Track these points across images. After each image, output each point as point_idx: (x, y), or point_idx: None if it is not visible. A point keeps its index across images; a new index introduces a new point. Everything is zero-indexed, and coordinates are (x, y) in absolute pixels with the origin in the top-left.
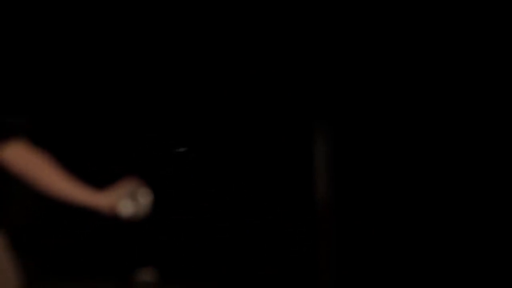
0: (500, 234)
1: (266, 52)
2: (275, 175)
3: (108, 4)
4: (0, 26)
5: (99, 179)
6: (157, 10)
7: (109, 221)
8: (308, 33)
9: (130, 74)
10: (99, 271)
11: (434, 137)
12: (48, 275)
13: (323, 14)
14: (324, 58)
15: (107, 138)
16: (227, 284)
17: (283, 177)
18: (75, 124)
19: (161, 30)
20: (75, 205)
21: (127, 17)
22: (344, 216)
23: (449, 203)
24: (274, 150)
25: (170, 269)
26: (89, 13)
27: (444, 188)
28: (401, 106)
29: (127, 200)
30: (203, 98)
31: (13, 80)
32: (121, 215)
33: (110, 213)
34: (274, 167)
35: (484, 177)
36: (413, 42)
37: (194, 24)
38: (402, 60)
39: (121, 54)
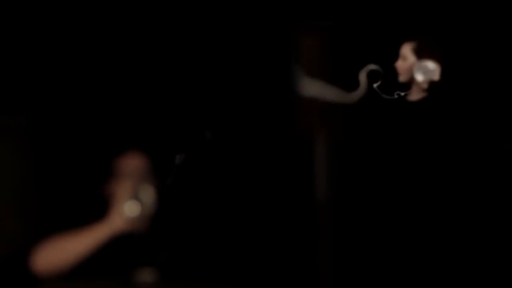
0: (501, 238)
1: (264, 49)
2: (274, 175)
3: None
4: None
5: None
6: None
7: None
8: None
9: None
10: (99, 271)
11: (436, 138)
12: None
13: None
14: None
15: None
16: (227, 284)
17: (283, 177)
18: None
19: (159, 30)
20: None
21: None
22: (344, 217)
23: (451, 206)
24: (273, 149)
25: (170, 269)
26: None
27: (446, 190)
28: (401, 106)
29: (131, 202)
30: (199, 99)
31: (18, 80)
32: (128, 217)
33: (127, 227)
34: (273, 166)
35: (486, 175)
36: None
37: (190, 24)
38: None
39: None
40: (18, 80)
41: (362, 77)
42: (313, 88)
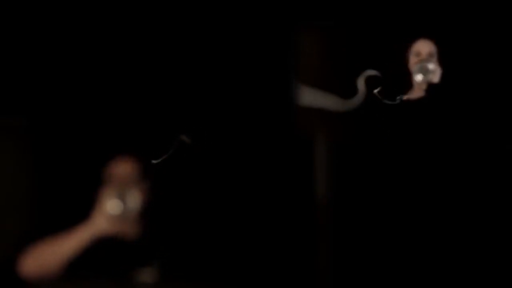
0: (501, 237)
1: (264, 50)
2: (274, 175)
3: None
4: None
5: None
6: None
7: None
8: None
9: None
10: (99, 271)
11: (435, 138)
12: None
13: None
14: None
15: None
16: (227, 284)
17: (283, 178)
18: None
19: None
20: (85, 246)
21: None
22: (344, 217)
23: (451, 206)
24: (273, 150)
25: (170, 269)
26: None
27: (446, 190)
28: (401, 107)
29: (115, 199)
30: (199, 97)
31: (15, 80)
32: (110, 216)
33: (111, 227)
34: (273, 167)
35: (486, 175)
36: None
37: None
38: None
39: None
40: (18, 80)
41: (360, 83)
42: (311, 97)
